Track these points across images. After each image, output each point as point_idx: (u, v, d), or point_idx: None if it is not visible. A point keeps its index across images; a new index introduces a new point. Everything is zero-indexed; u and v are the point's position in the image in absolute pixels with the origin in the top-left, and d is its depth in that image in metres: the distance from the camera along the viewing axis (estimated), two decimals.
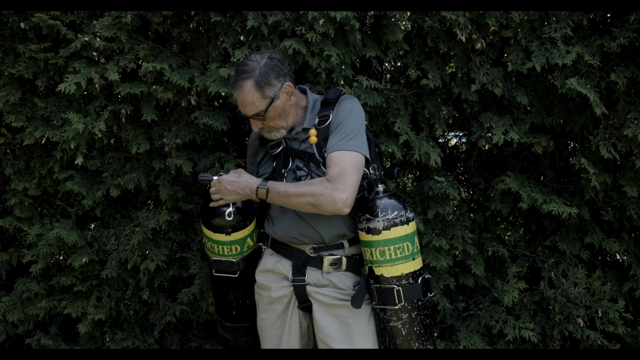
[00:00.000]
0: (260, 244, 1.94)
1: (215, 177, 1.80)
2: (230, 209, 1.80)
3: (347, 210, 1.66)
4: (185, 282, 2.55)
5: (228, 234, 1.82)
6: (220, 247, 1.85)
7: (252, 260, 1.93)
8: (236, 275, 1.89)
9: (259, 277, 1.92)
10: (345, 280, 1.81)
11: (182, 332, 2.64)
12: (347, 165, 1.67)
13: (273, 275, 1.88)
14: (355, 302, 1.75)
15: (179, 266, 2.51)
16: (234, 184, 1.75)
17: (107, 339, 2.51)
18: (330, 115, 1.76)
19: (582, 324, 2.38)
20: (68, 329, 2.61)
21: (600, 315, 2.36)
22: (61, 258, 2.57)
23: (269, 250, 1.91)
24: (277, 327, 1.89)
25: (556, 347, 2.43)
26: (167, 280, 2.47)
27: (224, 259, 1.87)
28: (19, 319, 2.47)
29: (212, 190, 1.79)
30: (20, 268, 2.58)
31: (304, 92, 1.88)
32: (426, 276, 1.75)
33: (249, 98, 1.70)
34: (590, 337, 2.36)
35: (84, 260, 2.32)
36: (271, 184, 1.72)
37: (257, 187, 1.72)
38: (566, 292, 2.35)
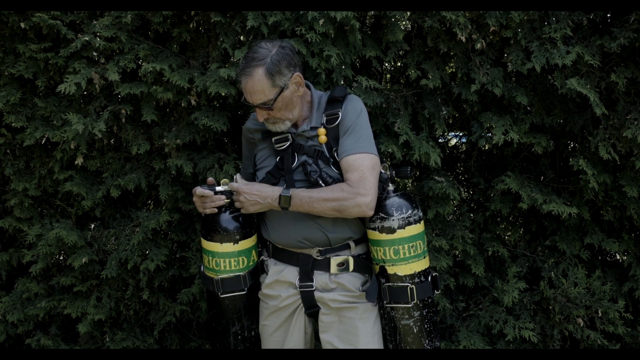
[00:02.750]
0: (262, 257, 1.90)
1: (218, 188, 1.77)
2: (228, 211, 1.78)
3: (370, 213, 1.67)
4: (185, 282, 2.55)
5: (236, 242, 1.77)
6: (228, 260, 1.78)
7: (256, 277, 1.88)
8: (244, 292, 1.83)
9: (266, 289, 1.87)
10: (353, 281, 1.80)
11: (182, 332, 2.64)
12: (366, 168, 1.67)
13: (279, 285, 1.84)
14: (370, 296, 1.74)
15: (179, 266, 2.51)
16: (253, 195, 1.72)
17: (107, 339, 2.51)
18: (340, 114, 1.74)
19: (582, 324, 2.38)
20: (68, 329, 2.61)
21: (600, 315, 2.36)
22: (61, 258, 2.57)
23: (272, 260, 1.87)
24: (281, 333, 1.86)
25: (556, 347, 2.43)
26: (167, 280, 2.47)
27: (231, 274, 1.79)
28: (19, 319, 2.47)
29: (234, 198, 1.76)
30: (20, 268, 2.58)
31: (307, 87, 1.85)
32: (433, 274, 1.77)
33: (259, 86, 1.66)
34: (590, 337, 2.36)
35: (83, 260, 2.32)
36: (293, 191, 1.70)
37: (280, 195, 1.70)
38: (566, 292, 2.36)
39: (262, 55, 1.66)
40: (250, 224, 1.84)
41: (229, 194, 1.78)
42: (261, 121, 1.75)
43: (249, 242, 1.81)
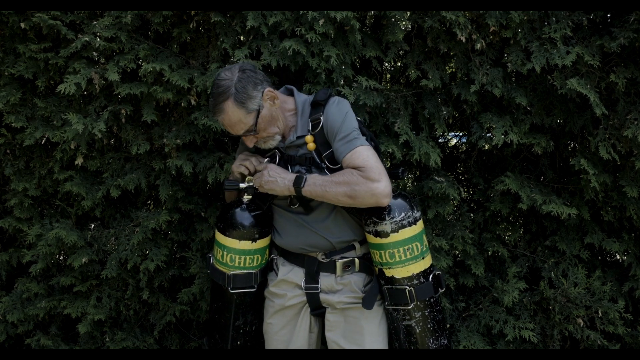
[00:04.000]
0: (272, 255, 1.90)
1: (242, 185, 1.77)
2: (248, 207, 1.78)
3: (387, 201, 1.61)
4: (185, 282, 2.55)
5: (254, 240, 1.77)
6: (243, 257, 1.78)
7: (265, 274, 1.89)
8: (254, 290, 1.83)
9: (273, 287, 1.88)
10: (359, 281, 1.80)
11: (182, 332, 2.64)
12: (368, 157, 1.64)
13: (285, 284, 1.85)
14: (367, 303, 1.74)
15: (179, 266, 2.51)
16: (275, 173, 1.71)
17: (107, 339, 2.51)
18: (321, 118, 1.71)
19: (582, 324, 2.38)
20: (68, 329, 2.61)
21: (600, 315, 2.36)
22: (61, 258, 2.57)
23: (281, 259, 1.87)
24: (286, 332, 1.87)
25: (556, 347, 2.43)
26: (167, 280, 2.47)
27: (244, 271, 1.80)
28: (18, 319, 2.47)
29: (256, 175, 1.75)
30: (20, 268, 2.58)
31: (290, 92, 1.83)
32: (436, 272, 1.75)
33: (235, 118, 1.65)
34: (590, 337, 2.36)
35: (83, 260, 2.32)
36: (309, 174, 1.69)
37: (296, 177, 1.68)
38: (566, 292, 2.36)
39: (225, 87, 1.63)
40: (268, 223, 1.84)
41: (252, 190, 1.79)
42: (251, 147, 1.74)
43: (265, 242, 1.82)
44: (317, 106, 1.74)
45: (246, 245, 1.77)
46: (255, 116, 1.66)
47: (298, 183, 1.67)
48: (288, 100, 1.80)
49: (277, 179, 1.70)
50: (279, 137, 1.75)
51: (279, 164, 1.77)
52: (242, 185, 1.78)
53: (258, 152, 1.83)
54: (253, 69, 1.69)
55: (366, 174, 1.60)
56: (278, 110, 1.73)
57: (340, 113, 1.71)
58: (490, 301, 2.48)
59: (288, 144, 1.76)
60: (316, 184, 1.65)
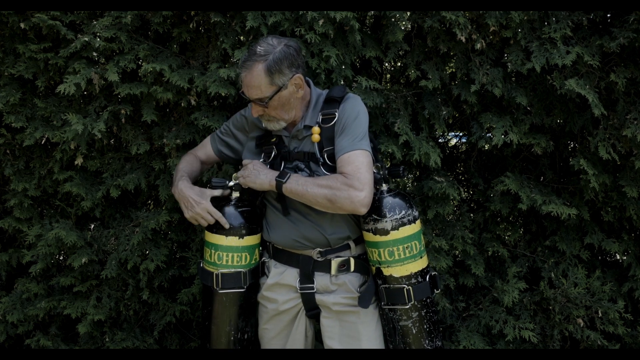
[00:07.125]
0: (264, 258, 1.88)
1: (230, 183, 1.79)
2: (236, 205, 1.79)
3: (364, 210, 1.62)
4: (185, 282, 2.55)
5: (242, 236, 1.76)
6: (231, 255, 1.77)
7: (256, 277, 1.86)
8: (243, 290, 1.80)
9: (266, 292, 1.85)
10: (354, 281, 1.79)
11: (182, 332, 2.64)
12: (361, 164, 1.64)
13: (279, 288, 1.82)
14: (363, 302, 1.73)
15: (178, 266, 2.51)
16: (258, 167, 1.74)
17: (107, 339, 2.51)
18: (336, 114, 1.71)
19: (582, 324, 2.38)
20: (68, 329, 2.61)
21: (600, 315, 2.36)
22: (61, 258, 2.57)
23: (273, 261, 1.85)
24: (282, 337, 1.86)
25: (556, 347, 2.43)
26: (167, 281, 2.47)
27: (232, 270, 1.77)
28: (18, 319, 2.47)
29: (241, 170, 1.80)
30: (20, 268, 2.58)
31: (307, 84, 1.82)
32: (432, 273, 1.75)
33: (256, 82, 1.64)
34: (590, 337, 2.36)
35: (83, 260, 2.32)
36: (291, 174, 1.70)
37: (280, 172, 1.71)
38: (566, 292, 2.36)
39: (265, 51, 1.64)
40: (257, 221, 1.83)
41: (239, 187, 1.80)
42: (255, 116, 1.74)
43: (253, 239, 1.81)
44: (332, 102, 1.75)
45: (233, 241, 1.76)
46: (275, 91, 1.66)
47: (281, 178, 1.68)
48: (306, 92, 1.80)
49: (260, 173, 1.72)
50: (283, 124, 1.75)
51: (274, 160, 1.78)
52: (230, 184, 1.80)
53: (260, 140, 1.84)
54: (298, 50, 1.70)
55: (351, 182, 1.61)
56: (297, 101, 1.74)
57: (355, 110, 1.71)
58: (490, 301, 2.48)
59: (294, 132, 1.76)
60: (298, 183, 1.66)
